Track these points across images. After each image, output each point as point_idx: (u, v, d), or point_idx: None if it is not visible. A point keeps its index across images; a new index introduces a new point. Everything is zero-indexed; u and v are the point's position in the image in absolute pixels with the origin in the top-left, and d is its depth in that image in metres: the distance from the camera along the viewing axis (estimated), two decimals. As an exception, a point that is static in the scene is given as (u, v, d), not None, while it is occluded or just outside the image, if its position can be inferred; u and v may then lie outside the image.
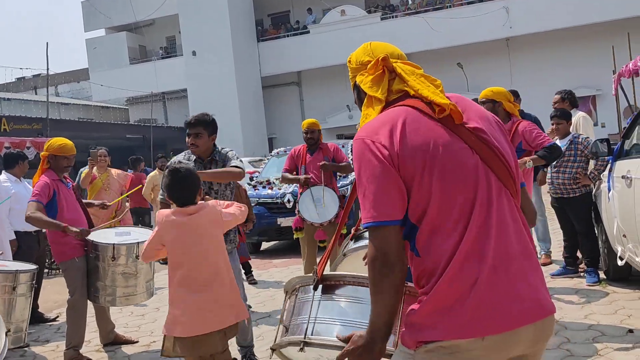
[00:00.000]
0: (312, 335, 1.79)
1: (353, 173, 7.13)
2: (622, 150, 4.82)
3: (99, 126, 24.58)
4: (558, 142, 5.26)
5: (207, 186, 3.80)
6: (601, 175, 5.13)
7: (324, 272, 1.91)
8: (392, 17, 25.83)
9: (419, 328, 1.51)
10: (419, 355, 1.51)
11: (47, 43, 18.69)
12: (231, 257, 3.51)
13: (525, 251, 1.55)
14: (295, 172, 5.67)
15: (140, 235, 4.62)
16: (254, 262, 7.43)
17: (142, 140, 23.64)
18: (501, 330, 1.46)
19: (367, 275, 1.57)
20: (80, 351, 4.47)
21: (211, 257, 2.97)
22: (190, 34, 25.63)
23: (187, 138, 3.82)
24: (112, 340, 4.86)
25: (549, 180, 5.41)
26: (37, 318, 5.73)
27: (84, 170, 7.16)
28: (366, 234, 2.60)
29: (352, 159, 1.84)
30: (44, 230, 5.33)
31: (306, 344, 1.78)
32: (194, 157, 3.88)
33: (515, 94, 5.45)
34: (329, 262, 2.32)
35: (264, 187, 8.97)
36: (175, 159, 3.96)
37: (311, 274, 1.92)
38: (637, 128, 4.75)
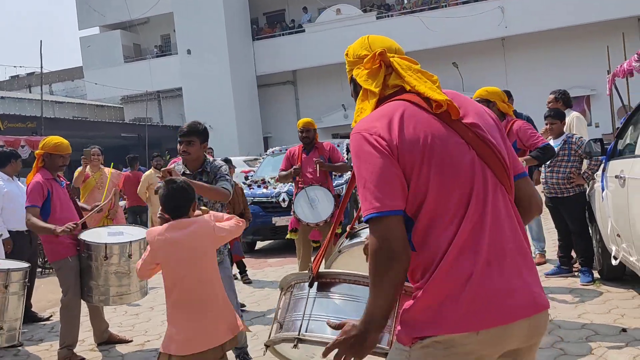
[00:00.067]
0: (306, 332, 1.78)
1: (349, 172, 7.14)
2: (615, 150, 4.84)
3: (93, 125, 24.44)
4: (552, 142, 5.28)
5: (197, 196, 3.79)
6: (595, 175, 5.15)
7: (320, 270, 1.90)
8: (388, 16, 25.82)
9: (414, 324, 1.51)
10: (415, 351, 1.50)
11: (41, 41, 18.61)
12: (221, 266, 3.48)
13: (520, 249, 1.56)
14: (291, 172, 5.66)
15: (133, 234, 4.59)
16: (248, 262, 7.42)
17: (137, 139, 23.59)
18: (495, 324, 1.46)
19: (361, 273, 1.56)
20: (74, 350, 4.46)
21: (204, 274, 2.94)
22: (185, 33, 25.53)
23: (178, 145, 3.85)
24: (106, 340, 4.85)
25: (543, 180, 5.43)
26: (30, 317, 5.71)
27: (78, 170, 7.13)
28: (361, 232, 2.60)
29: (348, 158, 1.84)
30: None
31: (300, 340, 1.77)
32: (183, 169, 3.87)
33: (507, 94, 5.46)
34: (324, 260, 2.32)
35: (259, 186, 8.97)
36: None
37: (307, 271, 1.92)
38: (630, 128, 4.77)
